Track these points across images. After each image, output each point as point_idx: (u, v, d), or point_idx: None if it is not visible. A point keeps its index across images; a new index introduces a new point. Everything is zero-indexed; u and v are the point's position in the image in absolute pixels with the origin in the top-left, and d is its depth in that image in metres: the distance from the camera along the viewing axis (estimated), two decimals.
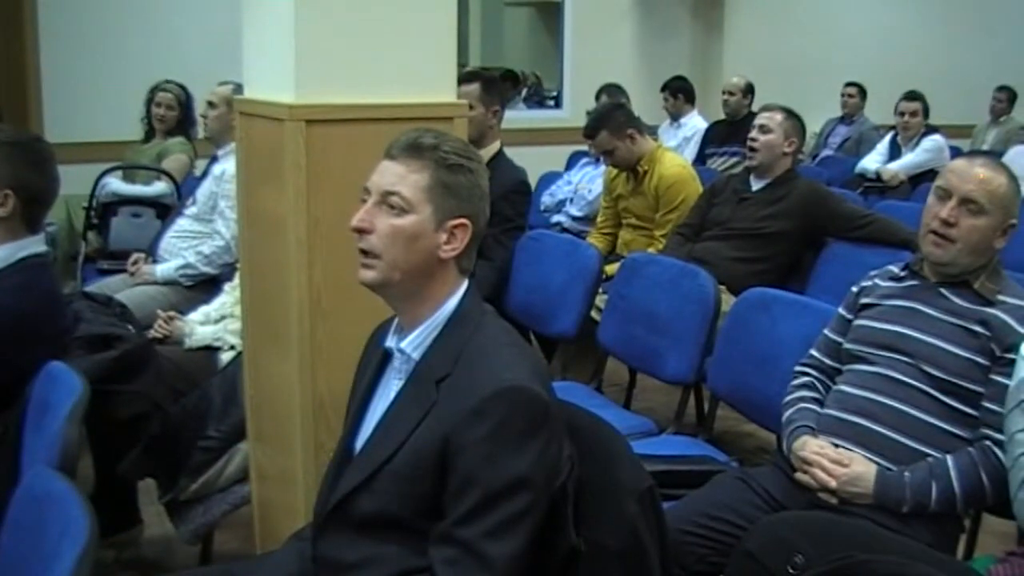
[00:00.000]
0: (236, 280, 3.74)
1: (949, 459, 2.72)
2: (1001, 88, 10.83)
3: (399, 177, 2.19)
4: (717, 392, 3.79)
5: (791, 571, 2.22)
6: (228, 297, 4.06)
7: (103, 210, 6.06)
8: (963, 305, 2.84)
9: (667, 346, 3.89)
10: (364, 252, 2.21)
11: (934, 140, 7.97)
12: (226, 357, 3.85)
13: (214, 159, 5.21)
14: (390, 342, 2.30)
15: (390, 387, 2.30)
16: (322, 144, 2.88)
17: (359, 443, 2.30)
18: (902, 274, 3.02)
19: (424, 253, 2.20)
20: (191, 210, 5.17)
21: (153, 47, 7.56)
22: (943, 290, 2.90)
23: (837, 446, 2.81)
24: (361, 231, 2.20)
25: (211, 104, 5.15)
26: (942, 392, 2.78)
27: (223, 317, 4.01)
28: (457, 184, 2.22)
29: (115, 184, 6.16)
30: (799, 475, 2.81)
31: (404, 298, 2.25)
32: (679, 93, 8.66)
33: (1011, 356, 2.64)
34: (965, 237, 2.84)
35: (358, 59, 2.94)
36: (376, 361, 2.36)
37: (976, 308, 2.82)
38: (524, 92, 9.78)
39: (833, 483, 2.73)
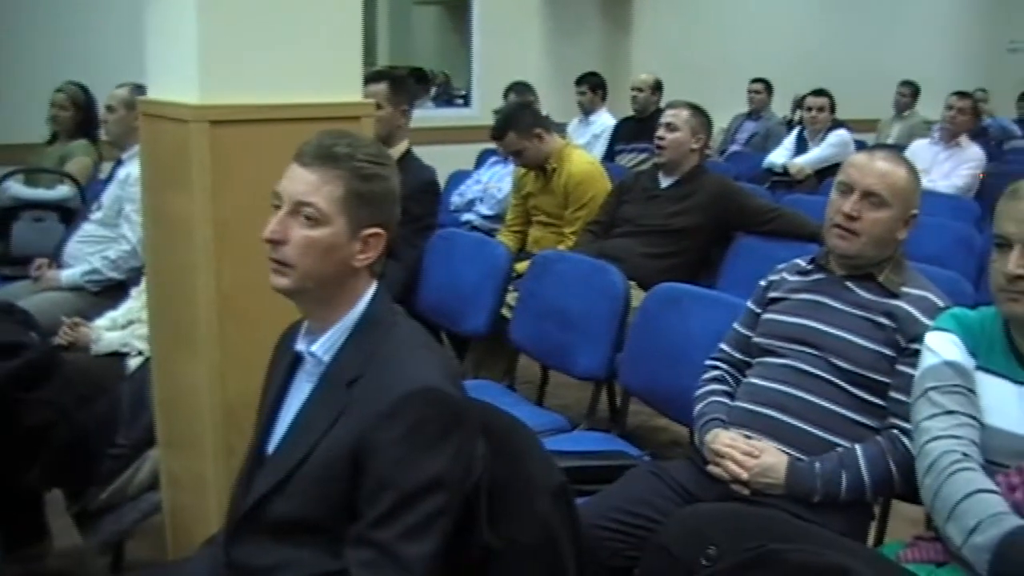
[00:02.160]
0: (143, 285, 3.69)
1: (858, 448, 2.75)
2: (905, 83, 11.02)
3: (313, 187, 2.16)
4: (629, 387, 3.80)
5: (704, 563, 2.23)
6: (135, 302, 4.00)
7: (4, 215, 5.92)
8: (868, 298, 2.89)
9: (578, 342, 3.91)
10: (276, 261, 2.19)
11: (840, 135, 8.07)
12: (134, 363, 3.78)
13: (119, 162, 5.12)
14: (300, 345, 2.28)
15: (301, 390, 2.28)
16: (228, 145, 2.85)
17: (271, 447, 2.28)
18: (809, 268, 3.06)
19: (338, 263, 2.19)
20: (96, 215, 5.08)
21: (62, 48, 7.40)
22: (849, 283, 2.94)
23: (748, 438, 2.83)
24: (274, 242, 2.17)
25: (109, 108, 5.07)
26: (850, 383, 2.81)
27: (130, 322, 3.95)
28: (371, 193, 2.20)
29: (16, 188, 6.03)
30: (711, 467, 2.83)
31: (316, 303, 2.24)
32: (597, 88, 8.70)
33: (916, 347, 2.68)
34: (869, 230, 2.88)
35: (263, 59, 2.92)
36: (286, 364, 2.34)
37: (881, 300, 2.87)
38: (433, 91, 9.76)
39: (745, 474, 2.76)
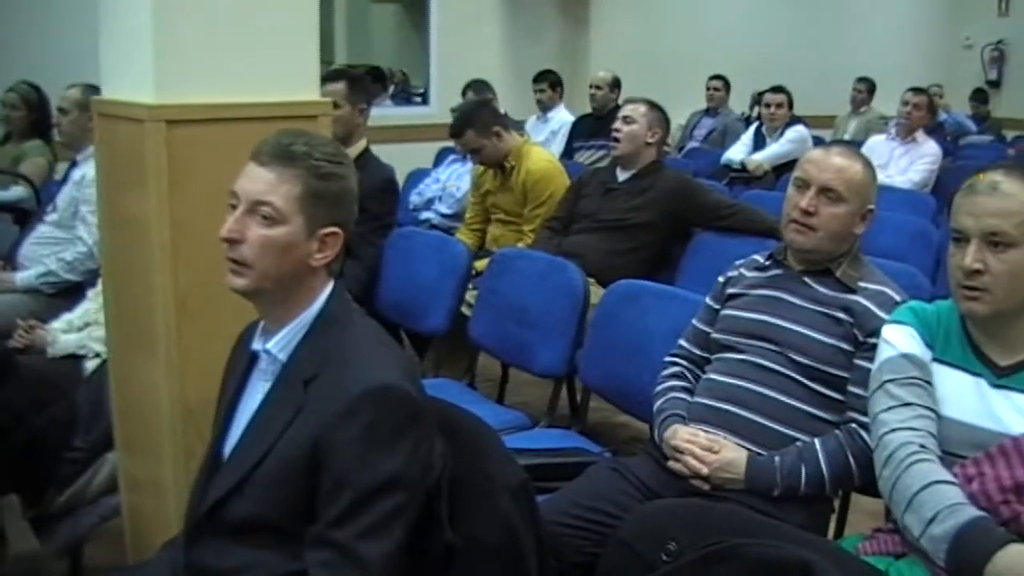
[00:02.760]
0: (100, 286, 3.66)
1: (817, 443, 2.77)
2: (861, 79, 11.11)
3: (270, 186, 2.15)
4: (589, 384, 3.81)
5: (665, 558, 2.23)
6: (92, 304, 3.97)
7: None
8: (826, 293, 2.90)
9: (538, 340, 3.91)
10: (234, 261, 2.17)
11: (797, 131, 8.12)
12: (91, 365, 3.76)
13: (74, 163, 5.09)
14: (257, 344, 2.28)
15: (258, 389, 2.27)
16: (185, 145, 2.83)
17: (228, 448, 2.26)
18: (767, 263, 3.08)
19: (295, 262, 2.18)
20: (52, 216, 5.03)
21: (13, 46, 7.31)
22: (807, 278, 2.95)
23: (708, 433, 2.84)
24: (231, 241, 2.16)
25: (61, 110, 5.03)
26: (809, 378, 2.83)
27: (87, 324, 3.92)
28: (329, 193, 2.19)
29: None
30: (671, 463, 2.84)
31: (273, 302, 2.23)
32: (555, 86, 8.71)
33: (873, 341, 2.69)
34: (825, 225, 2.90)
35: (219, 58, 2.90)
36: (243, 363, 2.33)
37: (838, 295, 2.88)
38: (391, 89, 9.74)
39: (705, 470, 2.77)
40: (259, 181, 2.16)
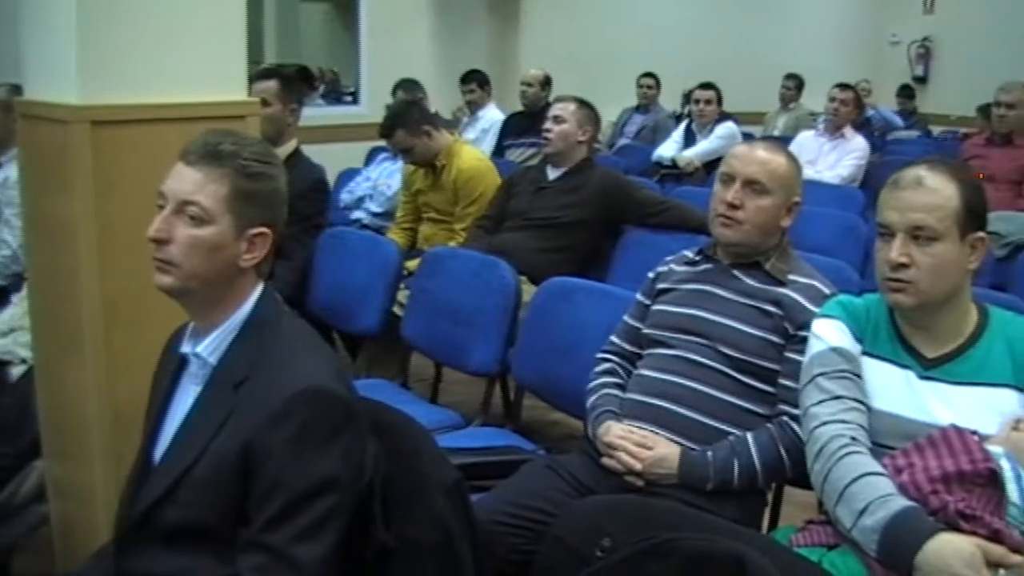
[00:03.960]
0: (25, 291, 3.61)
1: (749, 436, 2.79)
2: (789, 76, 11.23)
3: (197, 185, 2.13)
4: (522, 382, 3.82)
5: (600, 554, 2.23)
6: (17, 309, 3.91)
7: None
8: (756, 286, 2.92)
9: (470, 338, 3.91)
10: (161, 261, 2.15)
11: (727, 127, 8.16)
12: (17, 371, 3.71)
13: None
14: (186, 347, 2.25)
15: (188, 393, 2.24)
16: (111, 146, 2.81)
17: (159, 453, 2.23)
18: (696, 258, 3.09)
19: (224, 263, 2.16)
20: None
21: None
22: (736, 272, 2.97)
23: (641, 429, 2.85)
24: (158, 241, 2.14)
25: None
26: (739, 371, 2.85)
27: (12, 330, 3.86)
28: (258, 192, 2.18)
29: None
30: (605, 460, 2.84)
31: (201, 304, 2.21)
32: (484, 84, 8.71)
33: (803, 334, 2.72)
34: (752, 218, 2.93)
35: (145, 57, 2.88)
36: (172, 367, 2.30)
37: (768, 288, 2.90)
38: (321, 89, 9.69)
39: (639, 466, 2.77)
40: (186, 181, 2.14)
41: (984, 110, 9.58)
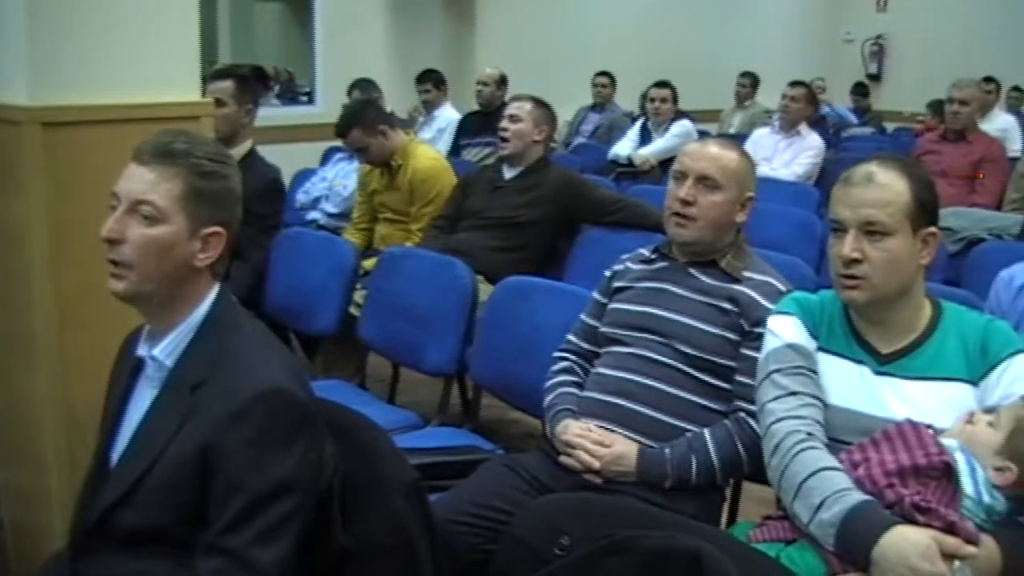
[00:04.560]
0: None
1: (707, 433, 2.80)
2: (744, 74, 11.30)
3: (150, 185, 2.12)
4: (480, 381, 3.82)
5: (559, 552, 2.24)
6: None
7: None
8: (711, 283, 2.93)
9: (428, 338, 3.90)
10: (115, 263, 2.14)
11: (683, 125, 8.16)
12: None
13: None
14: (142, 350, 2.23)
15: (144, 396, 2.22)
16: (64, 148, 2.79)
17: (115, 456, 2.22)
18: (652, 256, 3.10)
19: (178, 263, 2.15)
20: None
21: None
22: (692, 270, 2.98)
23: (599, 427, 2.86)
24: (112, 241, 2.12)
25: None
26: (696, 369, 2.86)
27: None
28: (211, 191, 2.17)
29: None
30: (563, 458, 2.84)
31: (156, 307, 2.19)
32: (440, 84, 8.70)
33: (759, 330, 2.74)
34: (705, 214, 2.94)
35: (96, 58, 2.86)
36: (128, 371, 2.28)
37: (724, 286, 2.91)
38: (276, 89, 9.64)
39: (597, 464, 2.77)
40: (139, 180, 2.13)
41: (935, 106, 9.72)
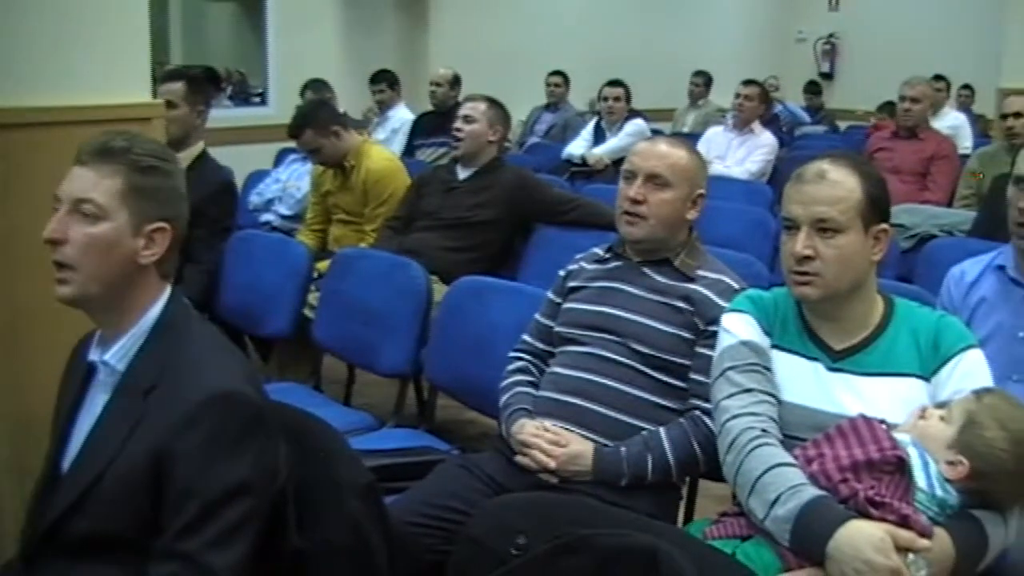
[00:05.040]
0: None
1: (662, 431, 2.80)
2: (698, 73, 11.35)
3: (91, 183, 2.11)
4: (436, 382, 3.81)
5: (515, 552, 2.24)
6: None
7: None
8: (665, 282, 2.94)
9: (382, 339, 3.89)
10: (59, 265, 2.12)
11: (636, 124, 8.20)
12: None
13: None
14: (93, 355, 2.21)
15: (96, 402, 2.20)
16: (12, 150, 2.77)
17: (67, 463, 2.20)
18: (607, 256, 3.10)
19: (122, 261, 2.13)
20: None
21: None
22: (645, 269, 2.99)
23: (555, 426, 2.85)
24: (54, 242, 2.11)
25: None
26: (651, 367, 2.86)
27: None
28: (153, 187, 2.15)
29: None
30: (519, 458, 2.84)
31: (105, 310, 2.18)
32: (394, 84, 8.68)
33: (713, 329, 2.74)
34: (655, 212, 2.95)
35: (44, 59, 2.83)
36: (80, 376, 2.26)
37: (678, 285, 2.92)
38: (229, 90, 9.59)
39: (553, 463, 2.77)
40: (79, 180, 2.12)
41: (886, 108, 9.83)
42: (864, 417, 2.36)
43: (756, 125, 7.85)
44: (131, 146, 2.15)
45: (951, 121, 8.96)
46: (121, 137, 2.17)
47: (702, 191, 3.03)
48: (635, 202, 2.95)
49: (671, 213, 2.97)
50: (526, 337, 3.17)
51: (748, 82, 7.99)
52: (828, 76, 14.70)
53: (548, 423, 2.86)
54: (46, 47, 2.82)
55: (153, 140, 2.28)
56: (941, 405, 2.39)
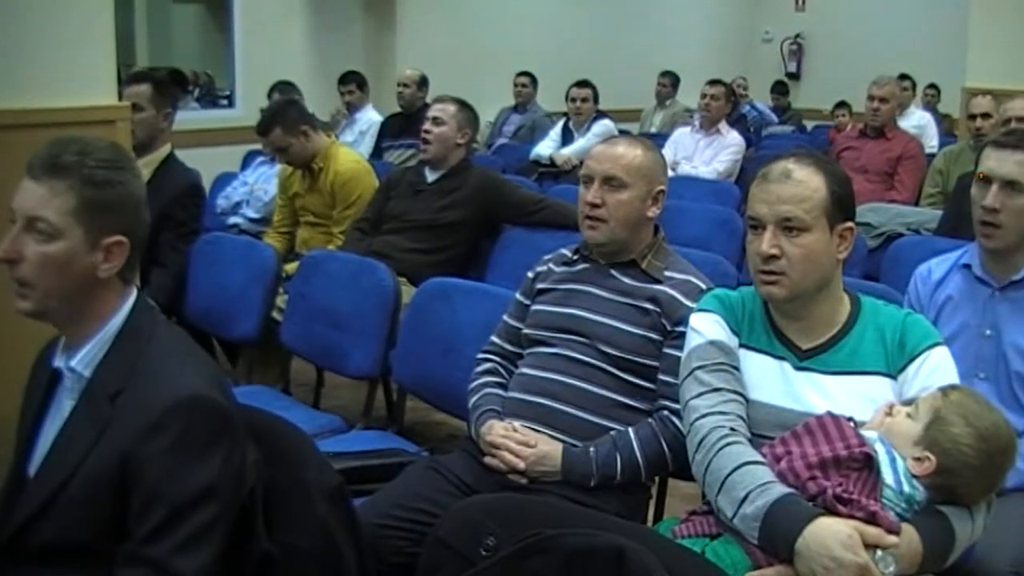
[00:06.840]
0: None
1: (631, 431, 2.81)
2: (665, 73, 11.37)
3: (42, 200, 2.08)
4: (404, 384, 3.82)
5: (484, 553, 2.23)
6: None
7: None
8: (632, 284, 2.95)
9: (350, 342, 3.88)
10: (17, 282, 2.10)
11: (604, 124, 8.20)
12: None
13: None
14: (58, 361, 2.20)
15: (62, 408, 2.19)
16: None
17: (32, 469, 2.18)
18: (574, 258, 3.11)
19: (80, 276, 2.11)
20: None
21: None
22: (613, 271, 3.00)
23: (524, 427, 2.86)
24: (10, 262, 2.08)
25: None
26: (619, 368, 2.87)
27: None
28: (107, 200, 2.12)
29: None
30: (488, 459, 2.84)
31: (67, 321, 2.16)
32: (363, 86, 8.67)
33: (681, 329, 2.75)
34: (614, 214, 2.96)
35: (6, 60, 2.81)
36: (45, 382, 2.24)
37: (644, 286, 2.93)
38: (195, 92, 9.55)
39: (521, 464, 2.78)
40: (31, 196, 2.09)
41: (842, 107, 9.97)
42: (831, 414, 2.36)
43: (723, 125, 7.88)
44: (83, 159, 2.10)
45: (917, 120, 9.01)
46: (72, 148, 2.12)
47: (662, 187, 3.04)
48: (594, 206, 2.97)
49: (630, 213, 2.97)
50: (494, 338, 3.17)
51: (714, 82, 8.02)
52: (795, 76, 14.77)
53: (517, 424, 2.86)
54: (9, 49, 2.80)
55: (107, 147, 2.21)
56: (908, 403, 2.40)
